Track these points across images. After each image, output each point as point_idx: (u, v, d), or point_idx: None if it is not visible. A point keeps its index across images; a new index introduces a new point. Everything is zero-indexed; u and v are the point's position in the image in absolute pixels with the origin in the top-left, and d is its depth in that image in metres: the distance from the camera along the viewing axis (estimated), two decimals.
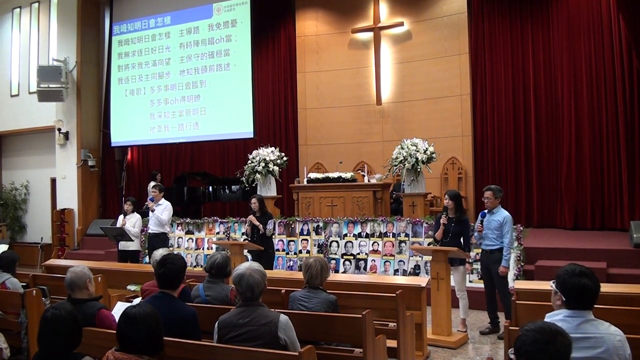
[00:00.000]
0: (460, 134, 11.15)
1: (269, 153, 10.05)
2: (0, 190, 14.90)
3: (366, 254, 8.81)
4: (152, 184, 11.47)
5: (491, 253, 6.30)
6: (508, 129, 10.77)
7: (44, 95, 12.66)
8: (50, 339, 2.82)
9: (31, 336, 4.92)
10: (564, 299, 2.79)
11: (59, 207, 13.21)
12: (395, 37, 11.89)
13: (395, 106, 11.83)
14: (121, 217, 8.68)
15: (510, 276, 7.03)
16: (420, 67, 11.53)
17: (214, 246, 9.95)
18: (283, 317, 3.31)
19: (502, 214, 6.30)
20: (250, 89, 11.71)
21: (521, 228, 7.84)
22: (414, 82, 11.59)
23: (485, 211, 6.41)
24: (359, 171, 10.51)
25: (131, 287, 6.32)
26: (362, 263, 8.80)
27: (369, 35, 12.04)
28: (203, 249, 10.22)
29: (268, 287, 3.54)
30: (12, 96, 14.63)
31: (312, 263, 4.24)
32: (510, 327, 3.44)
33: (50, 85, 12.59)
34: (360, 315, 3.83)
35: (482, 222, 6.35)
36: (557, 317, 2.75)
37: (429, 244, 7.86)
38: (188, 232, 10.43)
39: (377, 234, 8.80)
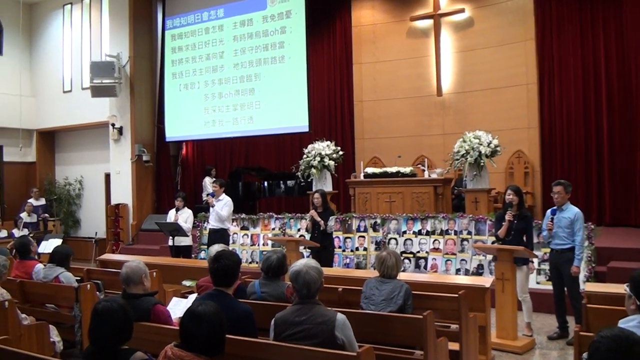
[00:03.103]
0: (527, 125, 10.84)
1: (324, 147, 10.08)
2: (54, 185, 15.56)
3: (426, 252, 8.73)
4: (207, 179, 11.74)
5: (562, 252, 6.12)
6: (578, 120, 10.38)
7: (97, 91, 13.05)
8: (100, 330, 2.88)
9: (85, 330, 5.11)
10: (638, 304, 2.67)
11: (113, 202, 13.64)
12: (456, 24, 11.66)
13: (457, 97, 11.63)
14: (172, 212, 8.90)
15: (581, 278, 6.81)
16: (483, 55, 11.28)
17: (269, 242, 10.07)
18: (340, 316, 3.31)
19: (573, 210, 6.12)
20: (305, 82, 11.75)
21: (592, 226, 7.55)
22: (477, 72, 11.35)
23: (555, 208, 6.23)
24: (419, 165, 10.38)
25: (186, 283, 6.47)
26: (422, 262, 8.73)
27: (428, 23, 11.86)
28: (258, 245, 10.36)
29: (324, 285, 3.54)
30: (65, 92, 15.23)
31: (386, 256, 4.50)
32: (581, 333, 3.33)
33: (104, 81, 12.96)
34: (420, 316, 3.80)
35: (552, 219, 6.18)
36: (631, 323, 2.64)
37: (492, 243, 7.71)
38: (243, 228, 10.59)
39: (438, 231, 8.70)
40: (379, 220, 9.21)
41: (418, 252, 8.79)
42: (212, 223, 8.70)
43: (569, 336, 6.08)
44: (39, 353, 3.80)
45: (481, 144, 8.69)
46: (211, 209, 8.70)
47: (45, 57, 15.65)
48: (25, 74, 15.45)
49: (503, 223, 6.31)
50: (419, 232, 8.86)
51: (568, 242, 6.08)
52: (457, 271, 8.40)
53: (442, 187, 9.23)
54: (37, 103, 15.61)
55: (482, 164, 8.71)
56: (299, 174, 10.22)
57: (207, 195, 8.83)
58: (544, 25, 10.72)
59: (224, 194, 8.71)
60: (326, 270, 4.00)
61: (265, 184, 11.91)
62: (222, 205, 8.60)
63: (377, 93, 12.46)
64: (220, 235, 8.47)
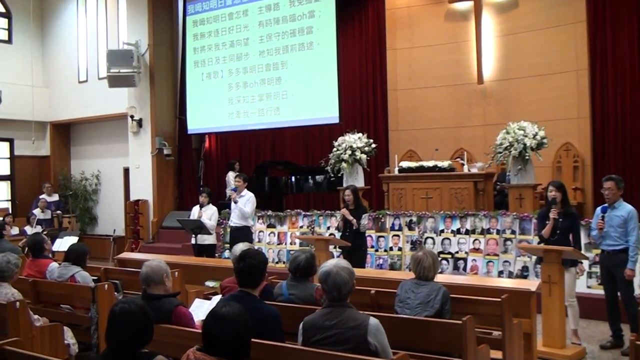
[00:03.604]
0: (576, 115, 10.66)
1: (356, 140, 10.06)
2: (69, 180, 15.84)
3: (466, 252, 8.68)
4: (230, 174, 11.83)
5: (614, 254, 6.02)
6: (634, 109, 10.15)
7: (115, 81, 13.21)
8: (118, 333, 2.90)
9: (102, 332, 5.15)
10: None
11: (133, 198, 13.84)
12: (499, 5, 11.51)
13: (499, 85, 11.49)
14: (196, 208, 8.99)
15: (636, 282, 6.67)
16: (528, 39, 11.11)
17: (297, 241, 10.11)
18: (373, 321, 3.31)
19: (626, 208, 6.01)
20: (335, 70, 11.72)
21: None
22: (521, 57, 11.19)
23: (606, 205, 6.13)
24: (458, 159, 10.31)
25: (209, 284, 6.53)
26: (461, 263, 8.68)
27: (468, 4, 11.73)
28: (286, 244, 10.41)
29: (356, 288, 3.55)
30: (80, 82, 15.47)
31: (422, 256, 4.46)
32: (637, 342, 3.27)
33: (121, 70, 13.12)
34: (460, 322, 3.77)
35: (602, 218, 6.07)
36: None
37: (538, 243, 7.61)
38: (270, 226, 10.66)
39: (479, 230, 8.65)
40: (414, 218, 9.18)
41: (457, 252, 8.75)
42: (235, 220, 8.77)
43: (624, 345, 5.98)
44: (52, 356, 3.88)
45: (526, 136, 8.56)
46: (233, 205, 8.77)
47: (58, 45, 15.91)
48: (37, 64, 15.75)
49: (547, 222, 6.24)
50: (458, 231, 8.81)
51: (621, 243, 5.97)
52: (500, 273, 8.34)
53: (483, 182, 9.15)
54: (51, 94, 15.91)
55: (527, 157, 8.60)
56: (328, 168, 10.22)
57: (231, 190, 8.89)
58: (595, 5, 10.50)
59: (246, 190, 8.78)
60: (358, 272, 3.99)
61: (293, 179, 11.93)
62: (245, 201, 8.67)
63: (412, 81, 12.38)
64: (243, 233, 8.54)
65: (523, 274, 8.18)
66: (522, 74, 11.20)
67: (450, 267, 8.73)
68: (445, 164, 9.53)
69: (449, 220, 8.91)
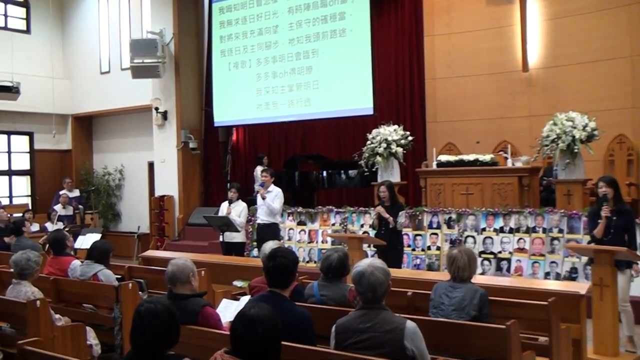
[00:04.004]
0: (630, 105, 10.45)
1: (391, 132, 10.03)
2: (91, 175, 16.09)
3: (510, 252, 8.60)
4: (258, 168, 11.88)
5: None
6: None
7: (139, 72, 13.36)
8: (143, 334, 2.94)
9: (126, 333, 5.27)
10: None
11: (158, 193, 14.00)
12: None
13: (546, 73, 11.32)
14: (225, 205, 9.07)
15: None
16: (578, 23, 10.92)
17: (329, 239, 10.13)
18: (410, 324, 3.31)
19: None
20: (369, 58, 11.68)
21: None
22: (570, 43, 11.00)
23: None
24: (501, 152, 10.20)
25: (237, 283, 6.60)
26: (504, 263, 8.61)
27: None
28: (317, 242, 10.44)
29: (392, 289, 3.54)
30: (102, 73, 15.70)
31: (457, 255, 4.40)
32: None
33: (145, 61, 13.24)
34: (503, 326, 3.74)
35: None
36: None
37: (588, 242, 7.50)
38: (300, 223, 10.69)
39: (524, 228, 8.56)
40: (454, 216, 9.13)
41: (500, 252, 8.68)
42: (262, 217, 8.85)
43: None
44: (73, 357, 3.94)
45: (575, 127, 8.46)
46: (260, 201, 8.82)
47: (79, 34, 16.15)
48: (57, 54, 16.00)
49: (599, 221, 6.14)
50: (501, 230, 8.74)
51: None
52: (546, 275, 8.25)
53: (528, 177, 9.06)
54: (72, 86, 16.18)
55: (576, 150, 8.49)
56: (362, 162, 10.22)
57: (259, 186, 8.94)
58: None
59: (273, 185, 8.82)
60: (394, 272, 3.99)
61: (324, 173, 11.95)
62: (273, 197, 8.72)
63: (451, 69, 12.28)
64: (271, 231, 8.61)
65: (571, 275, 8.07)
66: (570, 60, 11.01)
67: (492, 268, 8.66)
68: (487, 157, 9.44)
69: (491, 217, 8.84)
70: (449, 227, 9.17)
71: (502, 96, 11.73)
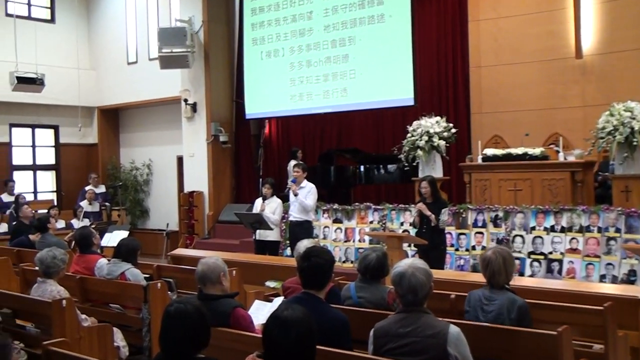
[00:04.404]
0: None
1: (433, 124, 10.00)
2: (118, 170, 16.34)
3: (561, 253, 8.51)
4: (292, 162, 11.92)
5: None
6: None
7: (167, 62, 13.46)
8: (172, 336, 2.99)
9: (154, 334, 5.33)
10: None
11: (187, 189, 14.11)
12: None
13: (601, 59, 11.13)
14: (259, 201, 9.13)
15: None
16: (637, 4, 10.71)
17: (366, 238, 10.13)
18: (453, 329, 3.29)
19: None
20: (409, 45, 11.60)
21: None
22: (627, 26, 10.79)
23: None
24: (552, 146, 10.08)
25: (270, 284, 6.65)
26: (555, 265, 8.52)
27: None
28: (354, 241, 10.44)
29: (434, 291, 3.53)
30: (129, 64, 15.91)
31: (491, 256, 4.19)
32: None
33: (174, 50, 13.33)
34: (554, 332, 3.70)
35: None
36: None
37: None
38: (336, 221, 10.71)
39: (577, 227, 8.47)
40: (500, 214, 9.06)
41: (550, 253, 8.59)
42: (294, 214, 8.89)
43: None
44: (100, 358, 4.03)
45: (634, 118, 8.34)
46: (292, 197, 8.85)
47: (105, 24, 16.39)
48: (82, 44, 16.25)
49: None
50: (552, 229, 8.65)
51: None
52: (602, 278, 8.14)
53: (581, 172, 8.97)
54: (98, 77, 16.47)
55: (635, 143, 8.35)
56: (402, 156, 10.21)
57: (291, 182, 8.98)
58: None
59: (306, 180, 8.85)
60: (436, 273, 3.96)
61: (362, 168, 11.94)
62: (306, 193, 8.75)
63: (498, 57, 12.14)
64: (304, 229, 8.65)
65: (630, 278, 7.95)
66: (628, 45, 10.81)
67: (542, 269, 8.57)
68: (536, 151, 9.35)
69: (542, 216, 8.75)
70: (496, 225, 9.10)
71: (554, 85, 11.57)
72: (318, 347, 3.01)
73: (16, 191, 13.64)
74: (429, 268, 3.49)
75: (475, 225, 9.29)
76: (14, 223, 11.12)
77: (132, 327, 5.89)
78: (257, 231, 8.81)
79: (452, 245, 9.27)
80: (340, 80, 12.56)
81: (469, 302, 4.31)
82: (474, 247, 9.22)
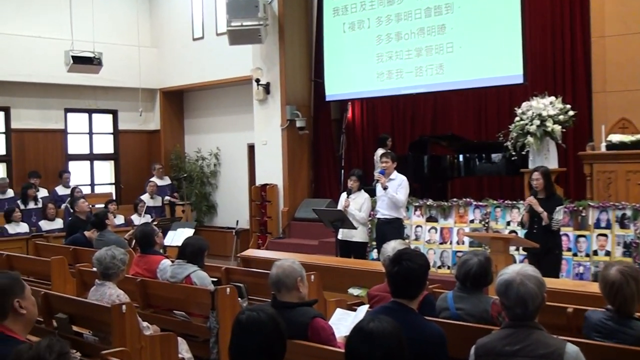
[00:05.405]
0: None
1: (546, 105, 9.85)
2: (183, 159, 16.68)
3: None
4: (379, 151, 11.91)
5: None
6: None
7: (237, 37, 13.59)
8: (244, 347, 3.03)
9: (222, 346, 5.43)
10: None
11: (259, 182, 14.26)
12: None
13: None
14: (344, 196, 9.18)
15: None
16: None
17: (466, 240, 10.04)
18: (571, 348, 3.24)
19: None
20: (518, 13, 11.41)
21: None
22: None
23: None
24: None
25: (354, 291, 6.68)
26: None
27: None
28: (451, 243, 10.39)
29: (547, 303, 3.49)
30: (195, 40, 16.22)
31: (620, 280, 3.83)
32: None
33: (244, 23, 13.44)
34: None
35: None
36: None
37: None
38: (430, 219, 10.66)
39: None
40: (629, 212, 8.88)
41: None
42: (382, 211, 8.89)
43: None
44: None
45: None
46: (379, 191, 8.84)
47: None
48: (143, 20, 16.73)
49: None
50: None
51: None
52: None
53: None
54: (160, 55, 16.89)
55: None
56: (508, 144, 10.09)
57: (379, 173, 8.97)
58: None
59: (396, 172, 8.81)
60: (549, 282, 3.89)
61: (461, 158, 11.83)
62: (397, 187, 8.74)
63: (627, 25, 11.75)
64: (394, 228, 8.65)
65: None
66: None
67: None
68: None
69: None
70: (622, 226, 8.92)
71: None
72: None
73: (72, 183, 14.16)
74: (541, 276, 3.44)
75: (597, 226, 9.12)
76: (70, 218, 11.58)
77: (199, 337, 6.02)
78: (341, 230, 8.85)
79: (569, 250, 9.13)
80: (436, 55, 12.45)
81: (588, 325, 4.10)
82: (595, 252, 9.04)
